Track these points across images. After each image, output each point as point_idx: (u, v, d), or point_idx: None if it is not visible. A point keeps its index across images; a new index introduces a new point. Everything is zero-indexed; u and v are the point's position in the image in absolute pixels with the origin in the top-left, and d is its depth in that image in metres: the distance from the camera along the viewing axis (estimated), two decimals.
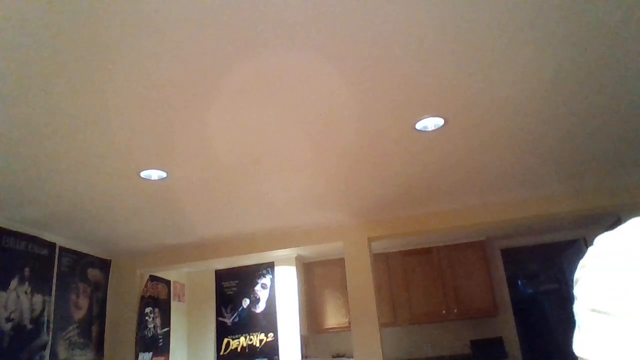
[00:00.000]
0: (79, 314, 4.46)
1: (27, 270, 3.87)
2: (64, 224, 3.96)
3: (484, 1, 1.83)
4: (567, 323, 6.12)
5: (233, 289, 5.92)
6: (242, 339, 5.70)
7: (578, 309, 0.52)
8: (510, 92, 2.52)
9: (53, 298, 4.14)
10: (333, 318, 5.87)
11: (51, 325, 4.07)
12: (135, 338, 4.84)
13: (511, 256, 6.29)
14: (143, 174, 3.12)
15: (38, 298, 3.96)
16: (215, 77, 2.17)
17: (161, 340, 5.37)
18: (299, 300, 5.65)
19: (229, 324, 5.81)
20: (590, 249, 0.54)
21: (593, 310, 0.49)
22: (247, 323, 5.73)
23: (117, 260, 5.08)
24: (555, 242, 6.07)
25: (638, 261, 0.48)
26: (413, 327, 5.93)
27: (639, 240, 0.49)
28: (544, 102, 2.67)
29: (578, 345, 0.51)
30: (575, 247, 6.20)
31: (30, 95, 2.17)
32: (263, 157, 3.07)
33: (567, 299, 6.35)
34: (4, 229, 3.70)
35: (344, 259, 4.79)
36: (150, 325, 5.19)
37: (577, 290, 0.53)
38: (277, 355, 5.50)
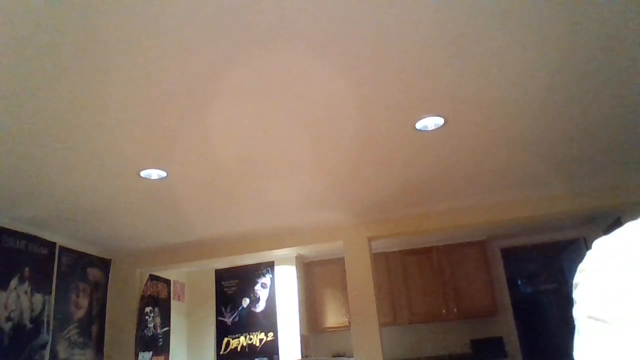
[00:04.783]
0: (78, 314, 4.46)
1: (27, 270, 3.87)
2: (64, 223, 3.96)
3: (484, 2, 1.83)
4: (567, 322, 6.12)
5: (233, 288, 5.92)
6: (242, 338, 5.70)
7: (577, 314, 0.53)
8: (510, 92, 2.52)
9: (53, 297, 4.14)
10: (333, 317, 5.87)
11: (51, 325, 4.07)
12: (135, 337, 4.84)
13: (511, 256, 6.29)
14: (143, 173, 3.12)
15: (38, 297, 3.96)
16: (215, 77, 2.17)
17: (161, 340, 5.37)
18: (298, 299, 5.65)
19: (229, 323, 5.81)
20: (588, 252, 0.55)
21: (590, 317, 0.50)
22: (247, 322, 5.74)
23: (117, 259, 5.08)
24: (555, 242, 6.07)
25: (634, 263, 0.48)
26: (413, 326, 5.94)
27: (635, 243, 0.49)
28: (544, 102, 2.67)
29: (577, 351, 0.52)
30: (575, 247, 6.21)
31: (31, 96, 2.17)
32: (263, 157, 3.07)
33: (566, 299, 6.35)
34: (4, 228, 3.70)
35: (344, 258, 4.80)
36: (150, 325, 5.19)
37: (576, 295, 0.54)
38: (277, 354, 5.50)
